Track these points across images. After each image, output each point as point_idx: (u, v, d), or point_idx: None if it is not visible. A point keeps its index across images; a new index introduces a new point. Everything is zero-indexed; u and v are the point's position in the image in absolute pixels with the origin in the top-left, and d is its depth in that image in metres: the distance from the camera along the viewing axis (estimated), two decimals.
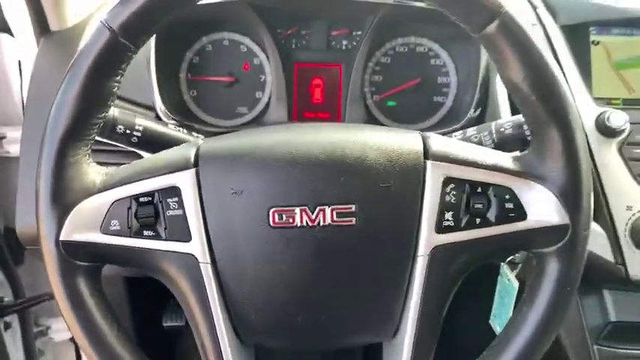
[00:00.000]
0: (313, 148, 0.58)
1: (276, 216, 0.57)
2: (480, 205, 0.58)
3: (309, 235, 0.57)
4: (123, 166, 0.61)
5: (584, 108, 0.88)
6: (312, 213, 0.57)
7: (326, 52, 0.99)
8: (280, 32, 0.98)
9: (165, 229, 0.58)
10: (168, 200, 0.58)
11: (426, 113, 1.00)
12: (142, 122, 0.75)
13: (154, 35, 0.86)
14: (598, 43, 0.93)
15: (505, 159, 0.59)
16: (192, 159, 0.59)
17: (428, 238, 0.58)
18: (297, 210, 0.57)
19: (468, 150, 0.60)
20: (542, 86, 0.56)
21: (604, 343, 0.87)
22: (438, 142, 0.60)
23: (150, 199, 0.59)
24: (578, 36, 0.94)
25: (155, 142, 0.76)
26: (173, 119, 0.91)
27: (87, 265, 0.59)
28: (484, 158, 0.59)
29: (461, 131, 0.80)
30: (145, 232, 0.59)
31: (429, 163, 0.58)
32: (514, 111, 0.87)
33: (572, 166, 0.56)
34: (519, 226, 0.58)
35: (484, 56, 0.90)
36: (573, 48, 0.93)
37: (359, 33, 0.98)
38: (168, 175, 0.59)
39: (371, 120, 0.99)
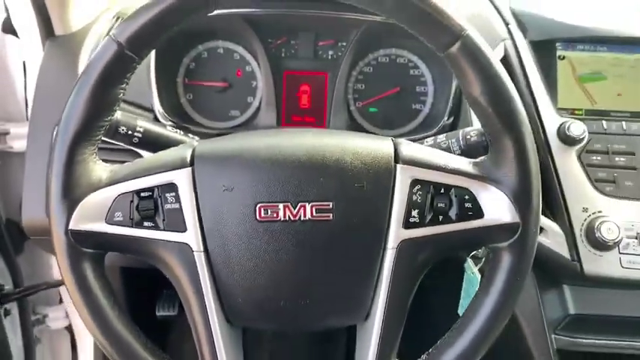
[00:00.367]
0: (296, 151, 0.63)
1: (262, 211, 0.61)
2: (442, 205, 0.63)
3: (291, 229, 0.62)
4: (126, 163, 0.66)
5: (547, 118, 0.92)
6: (294, 209, 0.61)
7: (313, 61, 1.02)
8: (271, 42, 1.01)
9: (164, 220, 0.63)
10: (167, 195, 0.63)
11: (405, 119, 1.03)
12: (143, 124, 0.79)
13: None
14: (564, 57, 0.98)
15: (465, 164, 0.64)
16: (189, 159, 0.63)
17: (396, 233, 0.63)
18: (281, 206, 0.61)
19: (434, 155, 0.65)
20: (497, 101, 0.61)
21: (561, 332, 0.93)
22: (408, 148, 0.65)
23: (150, 193, 0.63)
24: (545, 51, 0.98)
25: (154, 143, 0.80)
26: (170, 121, 0.94)
27: (93, 252, 0.63)
28: (447, 163, 0.64)
29: (432, 137, 0.84)
30: (146, 223, 0.63)
31: (398, 166, 0.63)
32: None
33: (523, 171, 0.62)
34: (477, 223, 0.63)
35: None
36: (541, 62, 0.97)
37: (344, 44, 1.01)
38: (167, 172, 0.63)
39: (354, 125, 1.03)
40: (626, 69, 0.99)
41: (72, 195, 0.62)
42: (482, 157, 0.66)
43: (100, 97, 0.61)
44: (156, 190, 0.63)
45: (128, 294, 1.24)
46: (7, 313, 1.25)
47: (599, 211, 0.89)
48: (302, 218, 0.62)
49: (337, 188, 0.62)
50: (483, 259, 0.84)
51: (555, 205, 0.90)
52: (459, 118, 0.96)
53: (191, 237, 0.62)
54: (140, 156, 0.87)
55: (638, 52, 0.99)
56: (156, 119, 0.95)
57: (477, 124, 0.88)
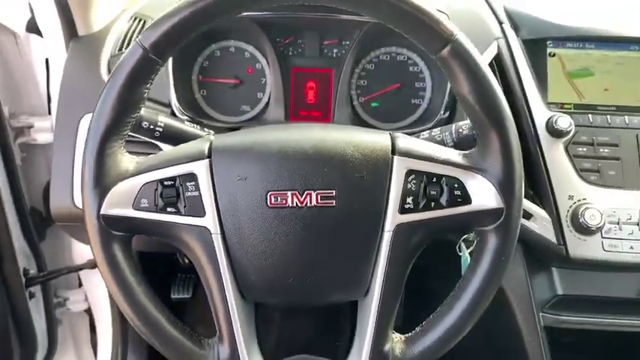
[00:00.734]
0: (303, 144, 0.68)
1: (272, 198, 0.66)
2: (434, 192, 0.68)
3: (298, 214, 0.66)
4: (150, 155, 0.71)
5: (537, 112, 0.97)
6: (301, 196, 0.66)
7: (319, 58, 1.06)
8: (279, 41, 1.04)
9: (185, 206, 0.68)
10: (187, 184, 0.68)
11: (405, 113, 1.07)
12: (163, 119, 0.83)
13: None
14: (554, 55, 1.03)
15: (455, 155, 0.70)
16: (207, 151, 0.68)
17: (393, 218, 0.68)
18: (289, 193, 0.66)
19: (427, 148, 0.70)
20: (484, 99, 0.66)
21: (548, 311, 0.99)
22: (404, 141, 0.70)
23: (172, 182, 0.68)
24: (537, 48, 1.03)
25: (173, 136, 0.84)
26: (186, 115, 0.99)
27: (121, 234, 0.68)
28: (439, 155, 0.69)
29: (428, 131, 0.89)
30: (169, 209, 0.68)
31: (395, 158, 0.68)
32: None
33: (507, 162, 0.67)
34: (465, 208, 0.68)
35: None
36: (532, 59, 1.02)
37: (347, 43, 1.04)
38: (188, 163, 0.68)
39: (357, 119, 1.06)
40: (613, 65, 1.04)
41: (103, 184, 0.67)
42: (470, 150, 0.71)
43: (127, 97, 0.66)
44: (178, 179, 0.68)
45: (145, 277, 1.30)
46: (31, 295, 1.29)
47: (584, 199, 0.94)
48: (308, 205, 0.66)
49: (340, 178, 0.67)
50: (475, 243, 0.89)
51: (543, 193, 0.95)
52: (454, 112, 1.00)
53: (209, 221, 0.67)
54: (160, 148, 0.92)
55: (624, 49, 1.04)
56: (173, 114, 1.00)
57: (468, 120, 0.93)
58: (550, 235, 0.94)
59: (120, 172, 0.68)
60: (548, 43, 1.04)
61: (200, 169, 0.68)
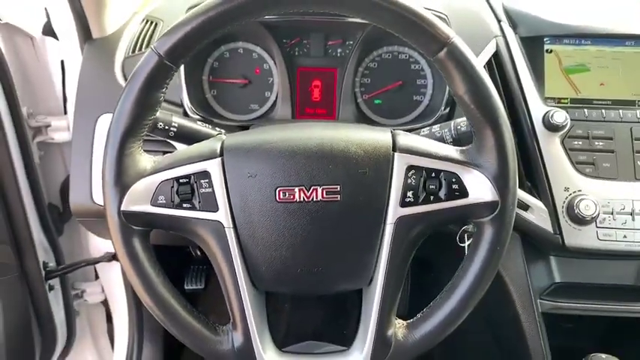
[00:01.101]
0: (309, 142, 0.71)
1: (281, 193, 0.70)
2: (433, 186, 0.71)
3: (305, 208, 0.70)
4: (166, 155, 0.75)
5: (534, 107, 1.00)
6: (308, 191, 0.70)
7: (323, 58, 1.08)
8: (285, 42, 1.07)
9: (199, 202, 0.71)
10: (201, 181, 0.71)
11: (407, 110, 1.09)
12: (177, 120, 0.86)
13: None
14: (551, 51, 1.06)
15: (453, 151, 0.73)
16: (219, 150, 0.72)
17: (394, 211, 0.71)
18: (297, 189, 0.69)
19: (426, 144, 0.73)
20: (479, 98, 0.69)
21: (546, 298, 1.02)
22: (404, 139, 0.73)
23: (187, 180, 0.71)
24: (534, 45, 1.06)
25: (186, 136, 0.87)
26: (197, 114, 1.02)
27: (140, 229, 0.72)
28: (437, 151, 0.72)
29: (428, 128, 0.92)
30: (184, 205, 0.72)
31: (396, 154, 0.72)
32: None
33: (501, 157, 0.70)
34: (462, 201, 0.71)
35: None
36: (530, 56, 1.05)
37: (351, 42, 1.07)
38: (201, 162, 0.71)
39: (361, 115, 1.09)
40: (609, 61, 1.06)
41: (123, 182, 0.71)
42: (467, 146, 0.74)
43: (144, 101, 0.70)
44: (192, 177, 0.72)
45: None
46: (51, 288, 1.33)
47: (579, 190, 0.97)
48: (314, 199, 0.70)
49: (344, 174, 0.70)
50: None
51: (540, 185, 0.98)
52: (454, 108, 1.03)
53: (222, 215, 0.71)
54: (174, 147, 0.95)
55: (620, 45, 1.06)
56: (185, 113, 1.03)
57: None
58: (547, 225, 0.97)
59: (138, 171, 0.72)
60: (545, 39, 1.06)
61: (213, 167, 0.72)
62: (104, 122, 1.02)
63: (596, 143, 1.00)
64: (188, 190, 0.72)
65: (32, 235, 1.25)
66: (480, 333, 1.25)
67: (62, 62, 1.27)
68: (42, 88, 1.30)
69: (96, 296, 1.54)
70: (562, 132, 0.99)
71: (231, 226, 0.71)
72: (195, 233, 0.74)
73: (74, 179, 1.03)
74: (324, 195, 0.70)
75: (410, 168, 0.72)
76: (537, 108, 1.01)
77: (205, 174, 0.72)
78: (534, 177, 0.99)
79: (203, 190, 0.72)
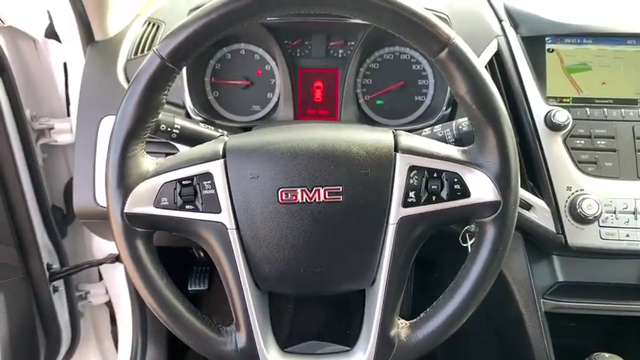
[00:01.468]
0: (311, 143, 0.71)
1: (283, 194, 0.70)
2: (435, 187, 0.71)
3: (307, 209, 0.70)
4: (168, 157, 0.75)
5: (536, 107, 1.00)
6: (310, 192, 0.70)
7: (325, 59, 1.08)
8: (287, 43, 1.07)
9: (202, 204, 0.72)
10: (204, 182, 0.71)
11: (409, 110, 1.09)
12: (179, 122, 0.87)
13: None
14: (553, 50, 1.06)
15: (455, 152, 0.73)
16: (221, 152, 0.72)
17: (396, 211, 0.71)
18: (299, 190, 0.70)
19: (428, 144, 0.74)
20: (480, 99, 0.69)
21: (549, 297, 1.02)
22: (406, 139, 0.73)
23: (190, 182, 0.72)
24: (535, 45, 1.05)
25: (189, 137, 0.88)
26: (200, 116, 1.02)
27: (144, 231, 0.73)
28: (439, 151, 0.73)
29: (429, 128, 0.92)
30: (187, 206, 0.72)
31: (398, 155, 0.72)
32: None
33: (503, 157, 0.70)
34: (464, 202, 0.72)
35: None
36: (531, 55, 1.05)
37: (352, 43, 1.07)
38: (204, 164, 0.72)
39: (362, 116, 1.09)
40: (611, 59, 1.06)
41: (126, 184, 0.71)
42: (469, 146, 0.74)
43: (146, 103, 0.70)
44: (195, 178, 0.72)
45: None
46: (55, 289, 1.33)
47: (582, 189, 0.97)
48: (317, 200, 0.70)
49: (346, 175, 0.70)
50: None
51: (542, 185, 0.98)
52: (456, 108, 1.03)
53: (225, 217, 0.71)
54: (176, 149, 0.96)
55: (621, 43, 1.06)
56: (188, 115, 1.03)
57: None
58: (549, 224, 0.97)
59: (141, 173, 0.72)
60: (546, 39, 1.06)
61: (215, 168, 0.72)
62: (107, 124, 1.02)
63: (598, 142, 1.00)
64: (191, 192, 0.72)
65: (36, 237, 1.26)
66: (483, 333, 1.25)
67: (65, 65, 1.28)
68: (45, 91, 1.31)
69: (100, 297, 1.55)
70: (564, 131, 0.99)
71: (234, 227, 0.72)
72: (198, 235, 0.74)
73: (77, 181, 1.04)
74: (327, 196, 0.70)
75: (412, 168, 0.72)
76: (539, 107, 1.01)
77: (208, 175, 0.72)
78: (536, 176, 0.99)
79: (206, 191, 0.72)
